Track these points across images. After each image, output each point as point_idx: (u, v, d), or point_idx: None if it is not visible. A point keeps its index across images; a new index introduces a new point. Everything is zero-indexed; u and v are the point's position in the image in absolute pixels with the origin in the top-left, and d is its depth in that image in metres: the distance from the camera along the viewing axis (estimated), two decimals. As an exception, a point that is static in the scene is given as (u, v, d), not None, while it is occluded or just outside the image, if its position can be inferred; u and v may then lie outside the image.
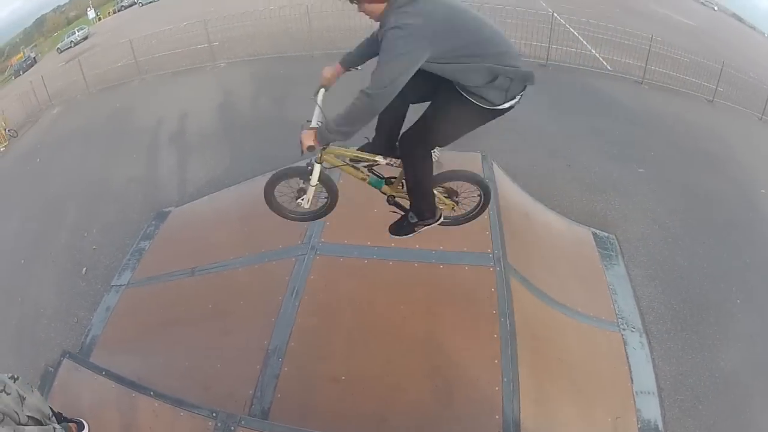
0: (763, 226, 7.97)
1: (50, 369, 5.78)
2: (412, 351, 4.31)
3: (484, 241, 4.96)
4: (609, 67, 14.28)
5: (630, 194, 8.13)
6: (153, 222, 7.59)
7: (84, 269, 7.81)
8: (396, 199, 4.15)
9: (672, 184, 8.63)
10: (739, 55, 19.96)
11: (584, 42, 16.06)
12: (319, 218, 4.38)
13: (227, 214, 6.82)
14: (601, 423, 4.59)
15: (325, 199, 4.23)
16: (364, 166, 4.03)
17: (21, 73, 34.11)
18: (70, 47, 33.05)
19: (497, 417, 3.88)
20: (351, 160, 3.97)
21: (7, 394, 3.18)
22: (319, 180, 3.94)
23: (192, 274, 5.70)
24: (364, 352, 4.34)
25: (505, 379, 4.04)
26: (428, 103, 3.54)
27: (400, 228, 4.15)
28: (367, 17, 3.16)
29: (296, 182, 4.15)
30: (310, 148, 3.51)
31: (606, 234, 7.03)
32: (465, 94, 3.28)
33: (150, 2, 36.22)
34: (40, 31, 42.74)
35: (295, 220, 4.35)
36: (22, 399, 3.25)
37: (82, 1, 41.12)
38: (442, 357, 4.26)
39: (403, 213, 4.15)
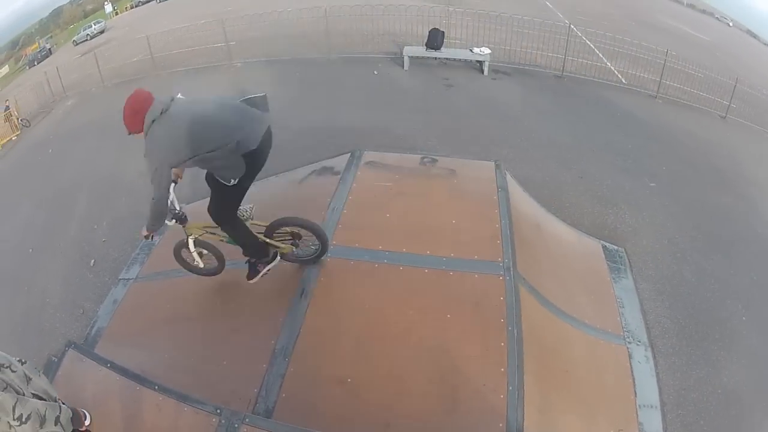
0: (772, 244, 7.92)
1: (54, 359, 5.81)
2: (419, 357, 4.31)
3: (495, 250, 4.96)
4: (624, 81, 14.26)
5: (641, 208, 8.11)
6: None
7: (92, 261, 7.85)
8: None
9: (682, 199, 8.60)
10: (752, 72, 19.88)
11: (600, 54, 16.07)
12: (213, 275, 5.30)
13: (240, 211, 6.79)
14: (603, 435, 4.59)
15: (214, 259, 5.22)
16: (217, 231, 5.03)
17: (35, 63, 34.30)
18: (86, 40, 33.23)
19: (501, 425, 3.87)
20: (206, 228, 5.08)
21: (13, 371, 3.22)
22: (199, 245, 5.12)
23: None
24: (371, 356, 4.35)
25: (510, 388, 4.04)
26: None
27: (249, 273, 5.04)
28: None
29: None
30: (146, 237, 4.87)
31: (615, 247, 7.02)
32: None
33: (170, -1, 36.35)
34: (56, 22, 42.96)
35: (197, 274, 5.30)
36: (28, 379, 3.31)
37: None
38: (448, 363, 4.26)
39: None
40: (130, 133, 4.12)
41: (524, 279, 4.95)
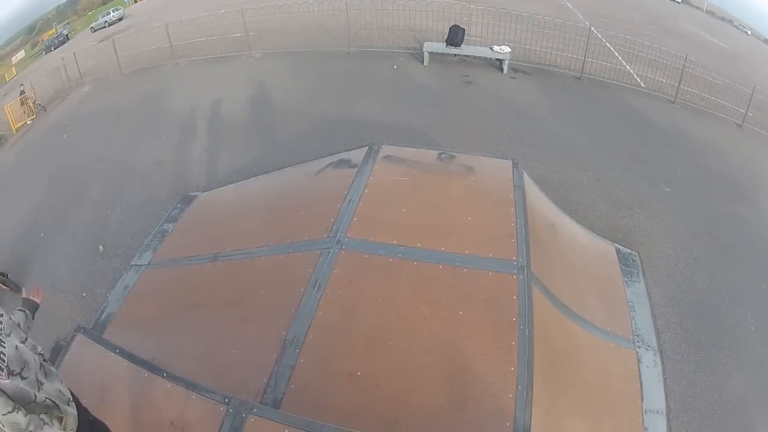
0: (783, 255, 7.89)
1: (62, 343, 5.87)
2: (430, 353, 4.30)
3: (510, 249, 4.95)
4: (642, 84, 14.17)
5: (655, 213, 8.11)
6: (178, 205, 7.61)
7: (101, 247, 7.90)
8: None
9: (696, 205, 8.59)
10: (770, 81, 19.72)
11: (619, 57, 15.97)
12: None
13: (253, 202, 6.84)
14: (608, 438, 4.59)
15: None
16: None
17: (52, 49, 34.51)
18: (104, 27, 33.37)
19: (508, 425, 3.87)
20: None
21: (24, 377, 3.10)
22: None
23: (214, 259, 5.72)
24: (382, 350, 4.35)
25: (520, 388, 4.02)
26: None
27: None
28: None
29: None
30: None
31: (629, 250, 6.99)
32: None
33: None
34: (74, 8, 43.17)
35: None
36: (40, 384, 3.06)
37: None
38: (459, 361, 4.25)
39: None
40: None
41: (537, 279, 4.94)
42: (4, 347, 2.79)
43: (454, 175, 6.18)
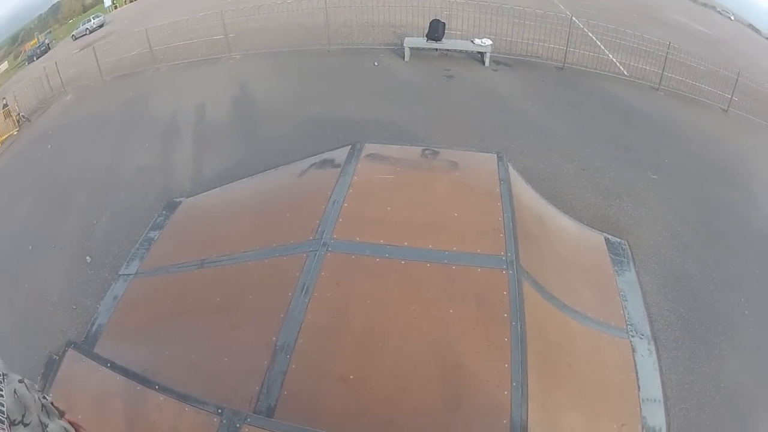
0: (773, 238, 7.90)
1: (54, 357, 5.79)
2: (422, 352, 4.28)
3: (498, 244, 4.93)
4: (626, 72, 14.17)
5: (643, 201, 8.08)
6: (163, 212, 7.56)
7: (88, 258, 7.81)
8: None
9: (685, 192, 8.58)
10: (754, 65, 19.81)
11: (602, 46, 15.98)
12: None
13: (238, 206, 6.79)
14: (606, 430, 4.55)
15: None
16: None
17: (35, 58, 34.29)
18: (85, 35, 33.18)
19: (505, 422, 3.85)
20: None
21: (25, 425, 2.96)
22: None
23: (201, 266, 5.67)
24: (374, 352, 4.32)
25: (515, 384, 4.01)
26: None
27: None
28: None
29: None
30: None
31: (618, 240, 6.98)
32: None
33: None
34: (55, 17, 42.92)
35: None
36: (44, 427, 2.88)
37: None
38: (451, 359, 4.23)
39: None
40: None
41: (527, 273, 4.92)
42: (2, 395, 2.61)
43: (439, 171, 6.16)
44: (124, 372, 4.49)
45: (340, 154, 6.42)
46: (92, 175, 10.37)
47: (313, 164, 6.61)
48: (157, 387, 4.16)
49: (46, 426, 2.82)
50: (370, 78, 12.42)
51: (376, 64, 13.17)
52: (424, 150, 6.58)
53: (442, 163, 6.24)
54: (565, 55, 13.55)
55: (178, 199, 7.86)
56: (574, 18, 14.48)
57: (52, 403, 3.07)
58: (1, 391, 2.57)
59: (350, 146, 6.49)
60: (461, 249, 4.86)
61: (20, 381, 2.77)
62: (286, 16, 15.72)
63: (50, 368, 5.77)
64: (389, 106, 10.70)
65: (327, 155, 6.69)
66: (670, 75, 13.56)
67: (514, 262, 4.82)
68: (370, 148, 6.39)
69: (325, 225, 5.16)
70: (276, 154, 8.76)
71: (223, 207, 7.13)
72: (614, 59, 15.06)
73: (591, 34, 16.58)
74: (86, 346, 5.58)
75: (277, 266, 5.08)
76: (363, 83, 12.03)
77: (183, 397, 3.99)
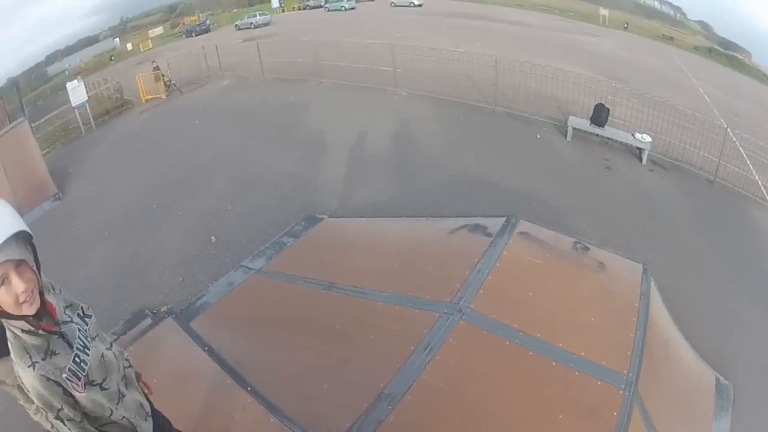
0: None
1: (147, 311, 6.11)
2: (519, 447, 4.22)
3: (623, 361, 4.82)
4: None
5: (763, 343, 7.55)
6: (302, 223, 7.83)
7: (213, 238, 8.19)
8: None
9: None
10: None
11: (750, 165, 15.18)
12: None
13: (380, 243, 6.94)
14: None
15: None
16: None
17: (193, 34, 36.69)
18: (249, 28, 35.02)
19: None
20: None
21: (105, 388, 2.79)
22: None
23: (328, 288, 5.83)
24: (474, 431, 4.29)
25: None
26: None
27: None
28: None
29: None
30: None
31: (726, 382, 6.59)
32: None
33: (336, 10, 37.68)
34: (219, 1, 45.82)
35: None
36: (122, 396, 2.88)
37: None
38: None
39: None
40: None
41: (641, 398, 4.76)
42: (88, 355, 2.66)
43: (586, 269, 6.07)
44: (221, 361, 4.75)
45: (494, 224, 6.45)
46: (236, 163, 10.91)
47: (465, 226, 6.69)
48: (249, 389, 4.35)
49: (123, 396, 2.86)
50: (531, 150, 12.28)
51: (538, 137, 13.07)
52: (575, 242, 6.51)
53: (591, 261, 6.15)
54: (717, 168, 12.97)
55: (320, 215, 8.08)
56: (729, 129, 13.84)
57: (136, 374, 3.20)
58: (88, 349, 2.67)
59: (505, 218, 6.51)
60: (588, 357, 4.77)
61: (109, 348, 2.87)
62: (455, 64, 15.74)
63: (139, 318, 6.12)
64: (546, 184, 10.52)
65: (480, 221, 6.75)
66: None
67: (633, 384, 4.69)
68: (524, 225, 6.39)
69: (465, 292, 5.19)
70: (427, 200, 8.89)
71: (365, 239, 7.28)
72: (760, 182, 14.23)
73: (742, 149, 15.76)
74: (185, 318, 5.92)
75: (406, 316, 5.14)
76: (523, 153, 11.91)
77: (273, 409, 4.17)
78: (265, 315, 5.94)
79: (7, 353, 3.89)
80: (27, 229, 2.34)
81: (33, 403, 4.42)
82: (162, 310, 6.54)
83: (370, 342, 5.08)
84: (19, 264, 2.28)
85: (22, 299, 2.28)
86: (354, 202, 9.08)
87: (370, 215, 8.08)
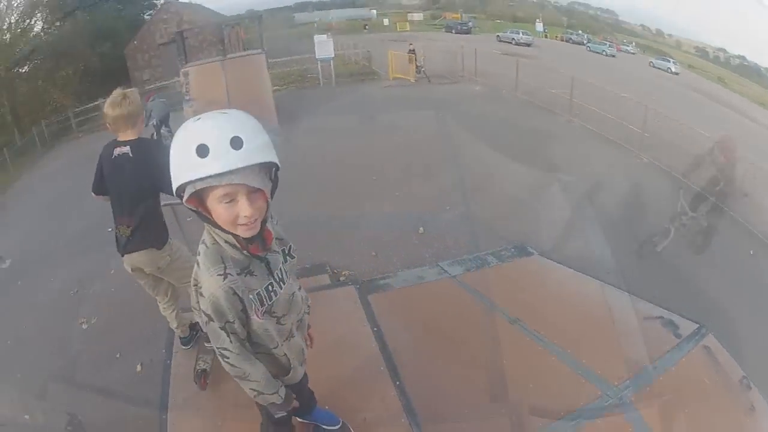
0: None
1: (328, 268, 6.97)
2: None
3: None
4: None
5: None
6: (512, 249, 7.77)
7: (421, 229, 8.36)
8: None
9: None
10: None
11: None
12: None
13: (578, 300, 6.70)
14: None
15: None
16: None
17: (453, 31, 37.23)
18: (509, 43, 34.83)
19: None
20: None
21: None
22: None
23: (512, 322, 5.88)
24: None
25: None
26: None
27: None
28: None
29: None
30: None
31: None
32: None
33: (597, 52, 36.46)
34: (484, 8, 46.11)
35: None
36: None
37: (533, 11, 43.14)
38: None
39: None
40: None
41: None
42: (281, 288, 2.78)
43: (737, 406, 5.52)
44: (383, 345, 5.22)
45: (685, 327, 6.15)
46: (470, 165, 11.16)
47: (659, 318, 6.36)
48: (398, 383, 4.65)
49: (293, 336, 3.03)
50: None
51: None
52: (743, 377, 5.80)
53: (746, 402, 5.54)
54: None
55: (531, 249, 7.92)
56: None
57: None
58: (283, 282, 2.79)
59: (697, 326, 6.17)
60: None
61: (299, 290, 3.08)
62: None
63: (315, 272, 6.86)
64: None
65: (675, 318, 6.35)
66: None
67: None
68: (710, 340, 6.00)
69: (633, 383, 5.08)
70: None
71: (564, 288, 7.01)
72: None
73: None
74: (365, 290, 6.44)
75: (571, 382, 5.08)
76: None
77: (409, 411, 4.44)
78: (441, 320, 5.99)
79: (155, 245, 4.67)
80: (276, 161, 2.38)
81: (166, 295, 5.11)
82: (343, 273, 6.87)
83: (529, 390, 5.01)
84: (254, 191, 2.33)
85: (242, 222, 2.35)
86: (567, 250, 8.53)
87: (577, 268, 7.63)
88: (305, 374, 3.49)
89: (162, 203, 4.77)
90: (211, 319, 2.54)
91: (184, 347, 5.46)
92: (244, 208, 2.28)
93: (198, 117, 2.29)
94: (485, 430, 4.62)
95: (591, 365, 5.25)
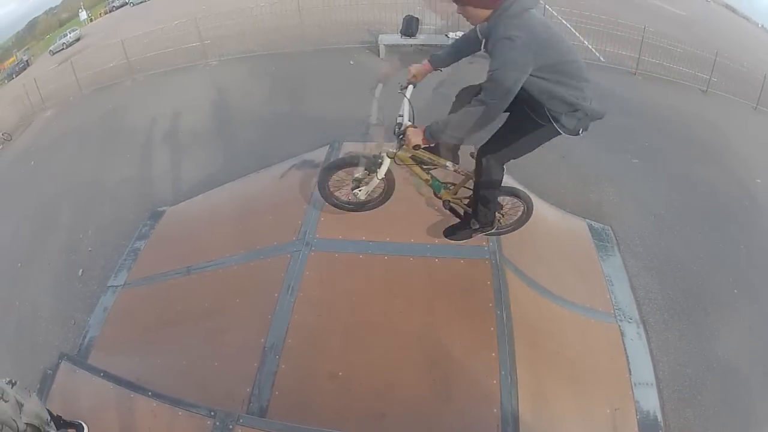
0: (759, 215, 7.92)
1: (49, 372, 5.75)
2: (410, 346, 4.32)
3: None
4: (602, 59, 14.16)
5: (625, 185, 8.07)
6: (148, 222, 7.52)
7: (80, 270, 7.76)
8: (451, 204, 4.65)
9: (667, 174, 8.57)
10: (732, 45, 19.78)
11: (576, 33, 15.93)
12: (370, 209, 4.91)
13: (221, 212, 6.77)
14: (599, 415, 4.58)
15: (381, 190, 4.73)
16: (430, 169, 4.44)
17: (14, 76, 33.88)
18: (63, 49, 32.76)
19: (495, 410, 3.89)
20: (421, 161, 4.38)
21: (5, 401, 3.13)
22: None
23: (187, 273, 5.68)
24: (362, 347, 4.35)
25: (503, 372, 4.05)
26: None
27: (456, 231, 4.65)
28: (465, 19, 3.63)
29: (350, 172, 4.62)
30: (416, 147, 3.85)
31: (601, 225, 6.99)
32: (543, 117, 3.74)
33: (141, 2, 35.83)
34: (33, 34, 42.48)
35: (344, 210, 4.94)
36: (20, 405, 3.19)
37: (74, 2, 40.82)
38: (439, 351, 4.26)
39: (460, 218, 4.72)
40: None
41: (510, 261, 4.95)
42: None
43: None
44: (117, 380, 4.52)
45: (319, 154, 6.42)
46: (76, 188, 10.32)
47: (293, 166, 6.58)
48: (150, 393, 4.20)
49: (22, 406, 3.22)
50: (347, 77, 12.35)
51: (351, 63, 13.17)
52: None
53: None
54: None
55: (161, 209, 7.81)
56: (547, 6, 14.44)
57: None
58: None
59: (328, 146, 6.50)
60: (443, 241, 4.88)
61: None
62: (260, 19, 15.63)
63: (45, 384, 5.78)
64: (366, 103, 10.60)
65: (306, 156, 6.68)
66: (646, 59, 13.59)
67: (497, 252, 4.85)
68: (348, 146, 6.38)
69: (308, 225, 5.17)
70: (256, 157, 8.73)
71: (207, 214, 7.08)
72: (590, 46, 15.00)
73: (565, 22, 16.51)
74: (79, 358, 5.60)
75: (262, 268, 5.09)
76: (340, 82, 11.95)
77: (176, 402, 4.03)
78: (144, 322, 5.71)
79: None
80: None
81: None
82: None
83: (239, 305, 5.02)
84: None
85: None
86: (188, 183, 8.90)
87: (205, 190, 7.79)
88: None
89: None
90: None
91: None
92: None
93: None
94: (233, 361, 4.44)
95: (266, 244, 5.36)
